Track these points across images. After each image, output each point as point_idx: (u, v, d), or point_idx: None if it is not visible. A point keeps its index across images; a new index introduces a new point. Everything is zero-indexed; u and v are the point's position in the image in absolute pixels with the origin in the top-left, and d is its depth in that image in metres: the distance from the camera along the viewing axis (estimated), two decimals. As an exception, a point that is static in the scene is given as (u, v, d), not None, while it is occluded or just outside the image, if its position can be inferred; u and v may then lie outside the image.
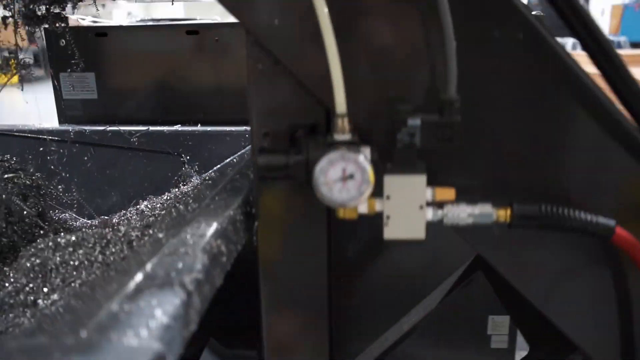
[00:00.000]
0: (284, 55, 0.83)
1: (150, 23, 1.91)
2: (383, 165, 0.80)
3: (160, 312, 0.56)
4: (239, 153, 1.54)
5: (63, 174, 1.44)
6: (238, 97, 1.79)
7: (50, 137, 1.53)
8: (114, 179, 1.60)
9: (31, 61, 1.08)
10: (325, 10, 0.76)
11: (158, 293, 0.60)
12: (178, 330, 0.57)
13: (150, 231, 0.94)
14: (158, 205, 1.24)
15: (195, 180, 1.56)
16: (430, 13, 0.77)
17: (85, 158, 1.57)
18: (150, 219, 1.07)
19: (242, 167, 1.25)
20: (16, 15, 1.04)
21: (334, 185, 0.74)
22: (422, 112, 0.78)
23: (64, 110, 1.77)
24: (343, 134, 0.79)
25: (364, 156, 0.75)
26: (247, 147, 1.60)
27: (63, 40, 1.67)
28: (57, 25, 1.16)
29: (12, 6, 1.02)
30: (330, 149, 0.76)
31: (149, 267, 0.66)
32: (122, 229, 0.98)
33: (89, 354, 0.45)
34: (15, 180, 1.06)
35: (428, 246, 1.52)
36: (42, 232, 1.08)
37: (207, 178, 1.35)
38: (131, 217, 1.20)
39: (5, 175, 1.06)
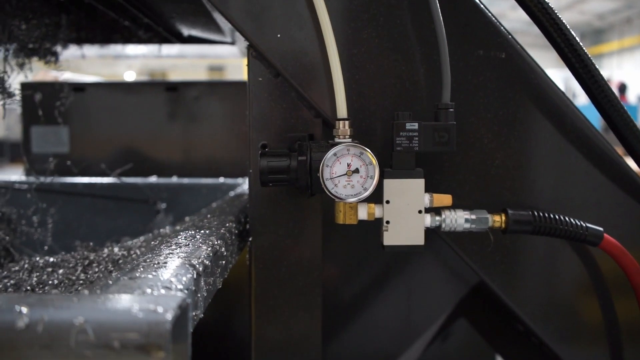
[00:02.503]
0: (285, 68, 0.86)
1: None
2: (381, 170, 0.81)
3: (177, 279, 0.53)
4: (216, 202, 1.52)
5: (36, 223, 1.37)
6: (211, 157, 1.81)
7: (20, 187, 1.47)
8: (88, 229, 1.54)
9: (17, 93, 1.07)
10: (328, 19, 0.81)
11: (174, 269, 0.57)
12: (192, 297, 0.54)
13: (137, 251, 0.90)
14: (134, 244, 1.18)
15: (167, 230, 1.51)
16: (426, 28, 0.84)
17: (55, 208, 1.51)
18: (133, 244, 1.02)
19: (226, 201, 1.23)
20: (7, 46, 1.04)
21: (338, 180, 0.75)
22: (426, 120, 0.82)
23: (32, 164, 1.72)
24: (344, 137, 0.81)
25: (368, 152, 0.76)
26: (225, 197, 1.58)
27: (39, 93, 1.66)
28: (48, 59, 1.17)
29: (3, 38, 1.03)
30: (333, 147, 0.77)
31: (159, 255, 0.63)
32: (106, 250, 0.93)
33: (126, 297, 0.43)
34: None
35: (402, 303, 1.49)
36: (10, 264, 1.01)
37: (187, 220, 1.32)
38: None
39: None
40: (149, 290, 0.48)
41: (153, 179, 1.65)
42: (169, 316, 0.40)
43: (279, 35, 0.86)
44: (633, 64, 18.07)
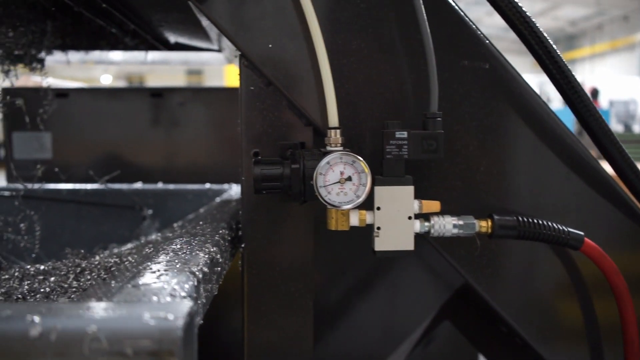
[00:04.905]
0: (276, 77, 0.88)
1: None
2: (372, 177, 0.83)
3: (179, 286, 0.54)
4: (203, 208, 1.52)
5: (23, 230, 1.35)
6: (195, 162, 1.81)
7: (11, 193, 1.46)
8: (72, 235, 1.52)
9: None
10: (319, 30, 0.83)
11: (175, 276, 0.58)
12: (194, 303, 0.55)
13: (130, 258, 0.90)
14: (124, 250, 1.18)
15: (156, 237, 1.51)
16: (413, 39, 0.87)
17: (39, 214, 1.50)
18: (123, 251, 1.02)
19: (214, 207, 1.24)
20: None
21: (332, 187, 0.77)
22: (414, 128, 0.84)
23: (14, 170, 1.70)
24: (336, 146, 0.83)
25: (361, 160, 0.78)
26: (212, 202, 1.59)
27: (21, 99, 1.65)
28: (34, 65, 1.16)
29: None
30: (326, 155, 0.79)
31: (158, 263, 0.64)
32: (97, 257, 0.93)
33: (135, 305, 0.44)
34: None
35: (386, 306, 1.51)
36: (-3, 273, 1.00)
37: (174, 226, 1.33)
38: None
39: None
40: (155, 298, 0.49)
41: (138, 185, 1.65)
42: (180, 323, 0.41)
43: (270, 46, 0.87)
44: (604, 69, 18.55)
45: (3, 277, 0.89)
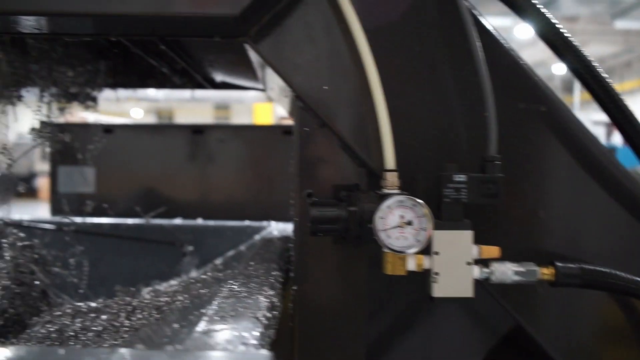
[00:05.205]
0: (331, 119, 0.88)
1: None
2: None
3: (249, 334, 0.53)
4: (244, 245, 1.52)
5: (64, 263, 1.37)
6: (234, 199, 1.81)
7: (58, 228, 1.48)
8: (110, 269, 1.53)
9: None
10: (375, 73, 0.83)
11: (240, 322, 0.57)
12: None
13: (180, 297, 0.89)
14: (168, 289, 1.18)
15: (195, 273, 1.50)
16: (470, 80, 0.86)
17: (82, 248, 1.51)
18: (170, 290, 1.01)
19: (259, 246, 1.23)
20: (51, 91, 1.07)
21: (392, 232, 0.75)
22: (465, 170, 0.83)
23: (58, 203, 1.73)
24: (393, 188, 0.81)
25: (421, 204, 0.77)
26: (253, 240, 1.58)
27: (68, 135, 1.69)
28: (88, 103, 1.19)
29: (48, 83, 1.06)
30: (386, 198, 0.78)
31: (214, 306, 0.63)
32: (147, 296, 0.92)
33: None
34: (26, 252, 1.00)
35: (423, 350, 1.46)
36: (46, 308, 1.00)
37: (217, 264, 1.32)
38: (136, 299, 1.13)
39: (20, 243, 1.00)
40: (230, 347, 0.48)
41: (178, 220, 1.66)
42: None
43: (325, 87, 0.88)
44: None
45: (55, 314, 0.89)
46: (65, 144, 1.72)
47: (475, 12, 0.88)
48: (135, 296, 0.98)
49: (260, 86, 1.44)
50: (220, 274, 0.94)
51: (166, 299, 0.89)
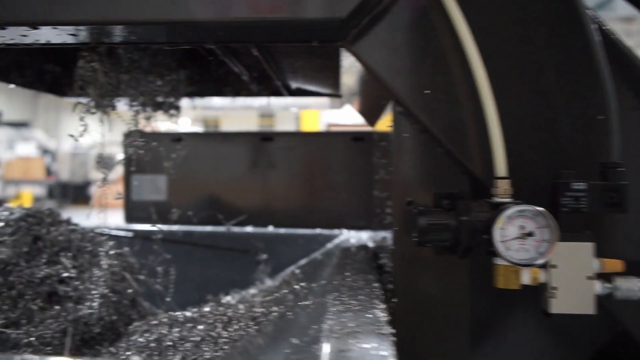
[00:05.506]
0: (433, 124, 0.84)
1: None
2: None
3: (387, 352, 0.49)
4: (318, 252, 1.49)
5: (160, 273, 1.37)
6: (305, 206, 1.78)
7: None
8: (181, 276, 1.53)
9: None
10: (484, 75, 0.79)
11: (366, 338, 0.54)
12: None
13: (275, 308, 0.87)
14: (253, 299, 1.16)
15: (270, 282, 1.49)
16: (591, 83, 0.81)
17: (154, 256, 1.52)
18: (266, 299, 0.99)
19: (339, 255, 1.20)
20: (139, 101, 1.08)
21: (511, 243, 0.71)
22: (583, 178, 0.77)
23: (132, 211, 1.76)
24: (506, 197, 0.77)
25: (545, 213, 0.72)
26: (324, 248, 1.56)
27: (142, 143, 1.71)
28: (172, 112, 1.20)
29: (137, 92, 1.07)
30: (504, 208, 0.73)
31: (332, 320, 0.60)
32: (241, 306, 0.90)
33: None
34: (117, 260, 1.00)
35: None
36: (136, 316, 1.00)
37: (296, 273, 1.30)
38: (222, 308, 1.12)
39: (112, 251, 1.01)
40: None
41: (249, 228, 1.65)
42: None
43: (427, 91, 0.84)
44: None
45: (152, 323, 0.88)
46: (139, 153, 1.74)
47: (590, 10, 0.83)
48: (223, 305, 0.97)
49: (337, 92, 1.41)
50: (312, 284, 0.92)
51: (261, 309, 0.87)
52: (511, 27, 0.84)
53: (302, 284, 0.92)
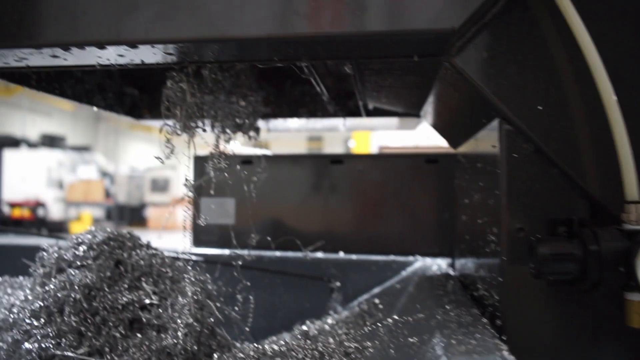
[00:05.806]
0: (547, 143, 0.76)
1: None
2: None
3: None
4: (393, 280, 1.42)
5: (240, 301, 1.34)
6: (377, 232, 1.71)
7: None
8: (256, 303, 1.49)
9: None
10: (609, 86, 0.71)
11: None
12: None
13: (369, 343, 0.80)
14: (327, 328, 1.10)
15: (344, 311, 1.42)
16: None
17: (223, 281, 1.49)
18: (354, 331, 0.93)
19: (422, 286, 1.13)
20: (218, 121, 1.06)
21: (657, 277, 0.62)
22: None
23: (199, 234, 1.74)
24: (638, 224, 0.68)
25: (694, 243, 0.63)
26: (399, 276, 1.48)
27: (210, 165, 1.70)
28: (251, 134, 1.18)
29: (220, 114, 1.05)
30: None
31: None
32: (331, 340, 0.84)
33: None
34: (199, 287, 0.97)
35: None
36: (215, 346, 0.96)
37: (376, 301, 1.23)
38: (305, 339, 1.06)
39: (194, 277, 0.98)
40: None
41: (320, 254, 1.59)
42: None
43: (540, 107, 0.77)
44: None
45: (238, 356, 0.83)
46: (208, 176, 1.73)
47: None
48: (309, 337, 0.91)
49: (417, 112, 1.35)
50: (408, 318, 0.84)
51: (355, 344, 0.81)
52: (636, 36, 0.76)
53: (395, 316, 0.85)
